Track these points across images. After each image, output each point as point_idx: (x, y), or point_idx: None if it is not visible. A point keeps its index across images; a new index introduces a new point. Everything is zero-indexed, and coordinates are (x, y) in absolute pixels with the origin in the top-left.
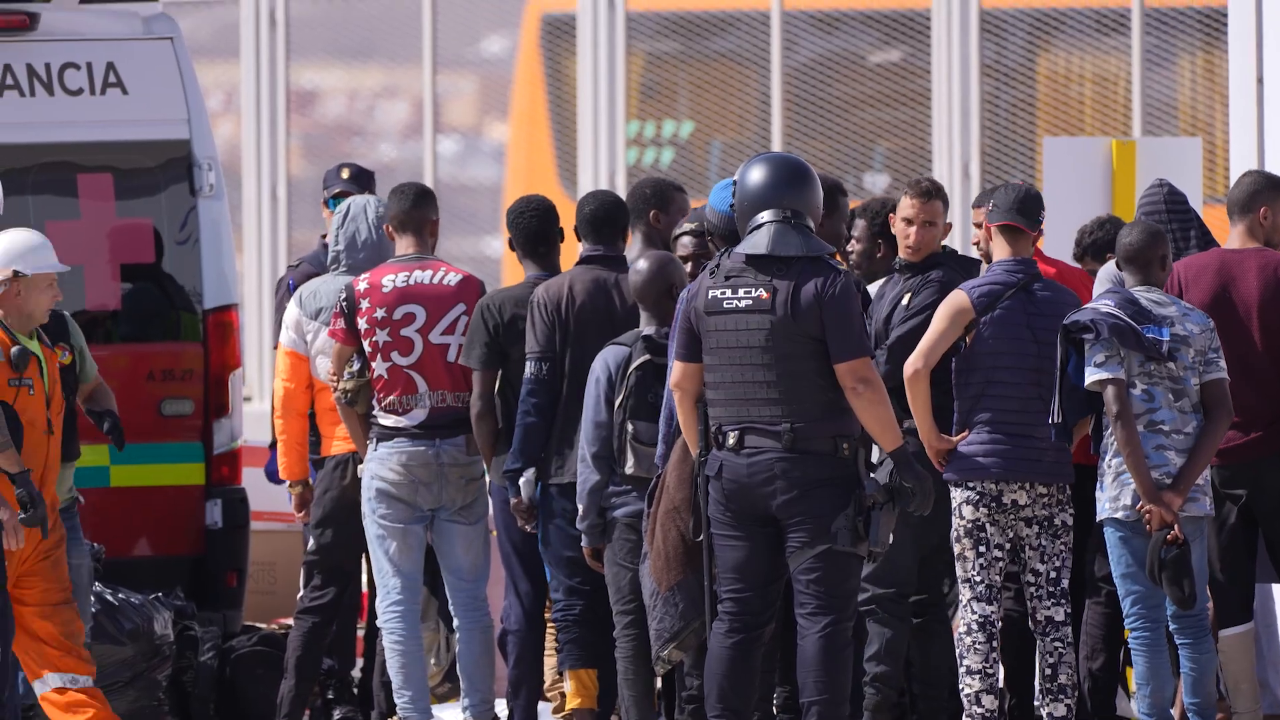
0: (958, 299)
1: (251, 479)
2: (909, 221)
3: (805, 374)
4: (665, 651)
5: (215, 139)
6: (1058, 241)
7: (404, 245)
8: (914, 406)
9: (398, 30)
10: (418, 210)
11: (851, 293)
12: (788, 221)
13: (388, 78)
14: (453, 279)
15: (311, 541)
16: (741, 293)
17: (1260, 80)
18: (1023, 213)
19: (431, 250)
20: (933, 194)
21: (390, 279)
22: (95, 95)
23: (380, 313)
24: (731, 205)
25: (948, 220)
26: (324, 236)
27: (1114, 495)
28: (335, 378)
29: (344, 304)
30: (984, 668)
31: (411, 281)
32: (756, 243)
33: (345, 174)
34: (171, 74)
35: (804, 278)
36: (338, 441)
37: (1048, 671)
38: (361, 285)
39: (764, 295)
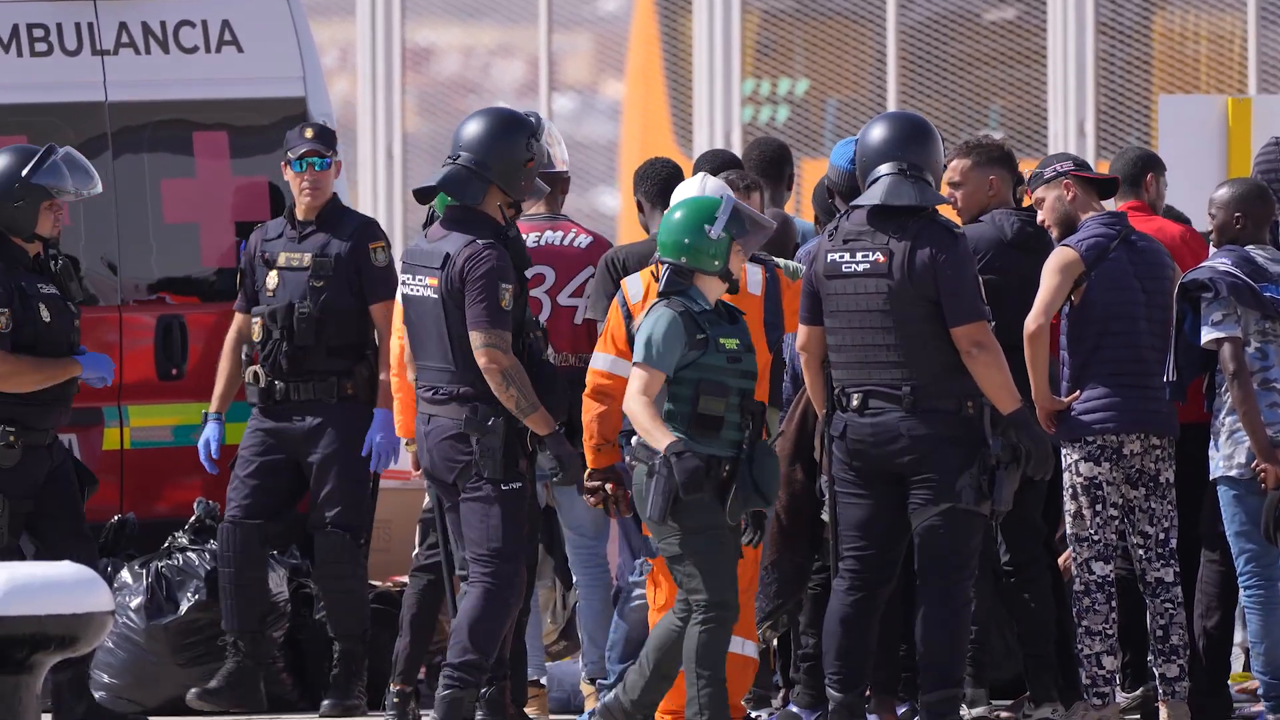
0: (1065, 254)
1: None
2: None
3: (925, 335)
4: (760, 629)
5: (331, 97)
6: (1173, 199)
7: (535, 205)
8: (1032, 365)
9: None
10: (551, 169)
11: (967, 256)
12: (903, 174)
13: (503, 35)
14: (583, 241)
15: (427, 499)
16: (860, 256)
17: None
18: (1086, 166)
19: (560, 209)
20: (961, 153)
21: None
22: (210, 53)
23: (527, 275)
24: (852, 161)
25: (991, 178)
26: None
27: (1228, 453)
28: None
29: None
30: (1104, 628)
31: (542, 242)
32: (871, 194)
33: (309, 134)
34: (287, 31)
35: (920, 241)
36: None
37: (1159, 633)
38: None
39: (880, 259)
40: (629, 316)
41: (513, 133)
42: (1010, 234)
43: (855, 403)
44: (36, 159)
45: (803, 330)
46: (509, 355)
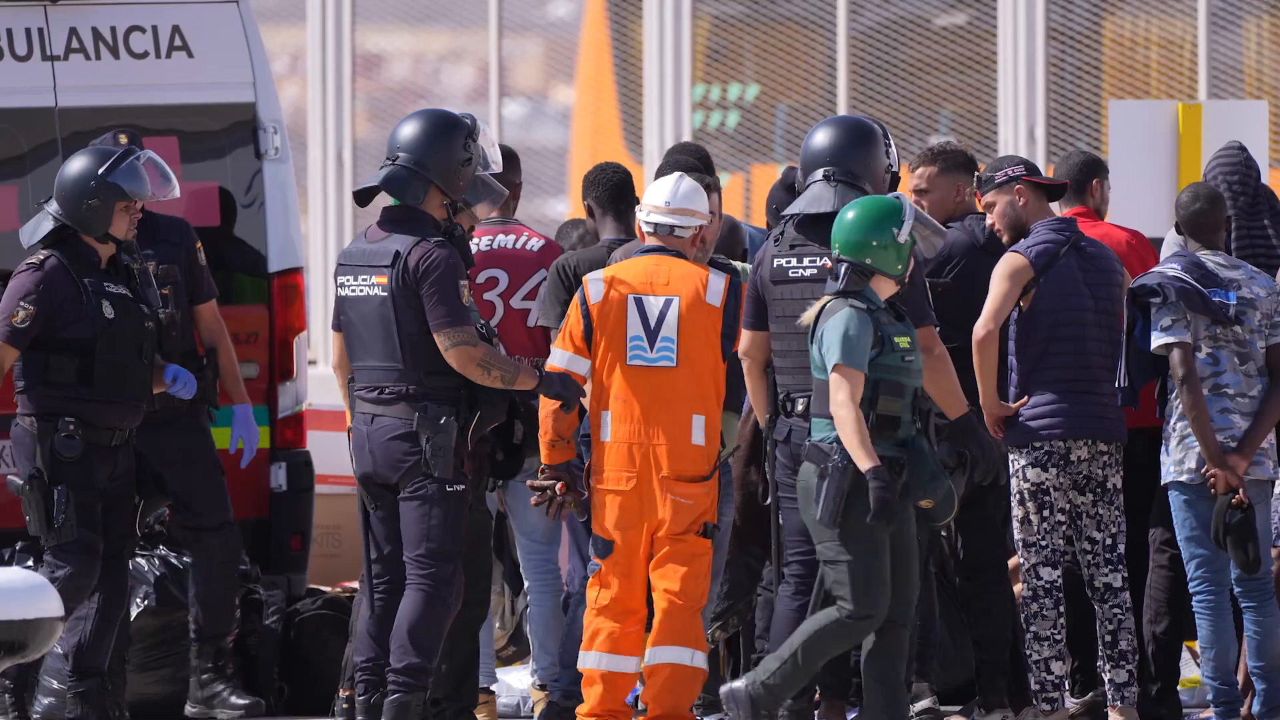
0: (1014, 260)
1: (316, 442)
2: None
3: None
4: (710, 630)
5: (281, 102)
6: (1122, 205)
7: (488, 210)
8: (980, 371)
9: None
10: (503, 174)
11: (915, 261)
12: (829, 180)
13: (453, 41)
14: (535, 245)
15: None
16: (806, 261)
17: None
18: (1036, 170)
19: (513, 214)
20: (927, 160)
21: (474, 243)
22: (161, 58)
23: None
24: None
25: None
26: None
27: (1179, 459)
28: None
29: None
30: (1052, 634)
31: (495, 246)
32: (797, 204)
33: (123, 139)
34: (237, 37)
35: None
36: None
37: (1107, 638)
38: None
39: (827, 264)
40: (588, 315)
41: (450, 133)
42: (983, 239)
43: (799, 407)
44: (114, 160)
45: (746, 335)
46: (478, 344)
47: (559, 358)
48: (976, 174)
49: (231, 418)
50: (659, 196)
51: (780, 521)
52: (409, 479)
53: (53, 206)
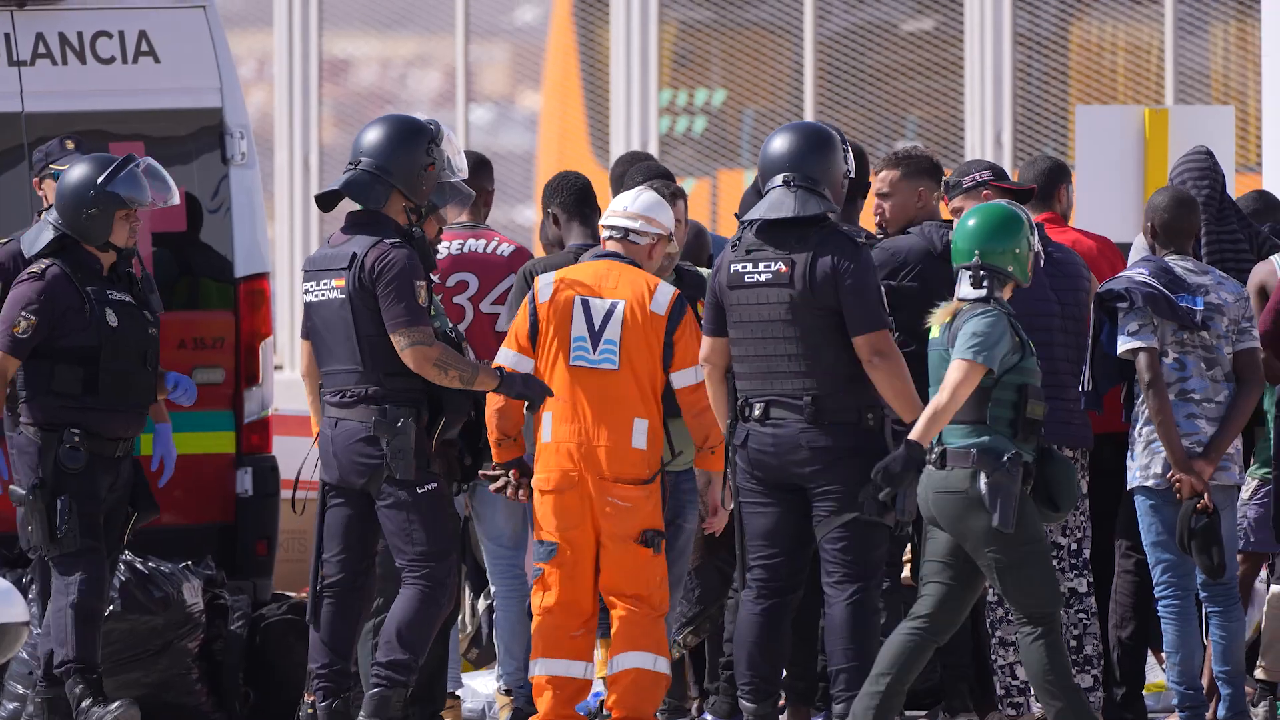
0: None
1: (282, 447)
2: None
3: (828, 346)
4: (681, 635)
5: (248, 107)
6: (1089, 211)
7: (457, 213)
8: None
9: None
10: (474, 179)
11: (868, 265)
12: (789, 185)
13: (420, 46)
14: (506, 249)
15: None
16: (762, 266)
17: None
18: (1004, 174)
19: (484, 220)
20: (890, 164)
21: (444, 246)
22: (127, 64)
23: (433, 279)
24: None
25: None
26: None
27: (1145, 464)
28: None
29: None
30: (1017, 638)
31: (465, 250)
32: (756, 209)
33: (70, 145)
34: (204, 42)
35: (821, 250)
36: None
37: (1073, 643)
38: None
39: (783, 269)
40: (535, 315)
41: (412, 138)
42: (940, 246)
43: (757, 412)
44: (113, 168)
45: (706, 341)
46: (434, 344)
47: (505, 356)
48: (945, 179)
49: (154, 434)
50: (621, 202)
51: (743, 526)
52: (376, 485)
53: (53, 215)
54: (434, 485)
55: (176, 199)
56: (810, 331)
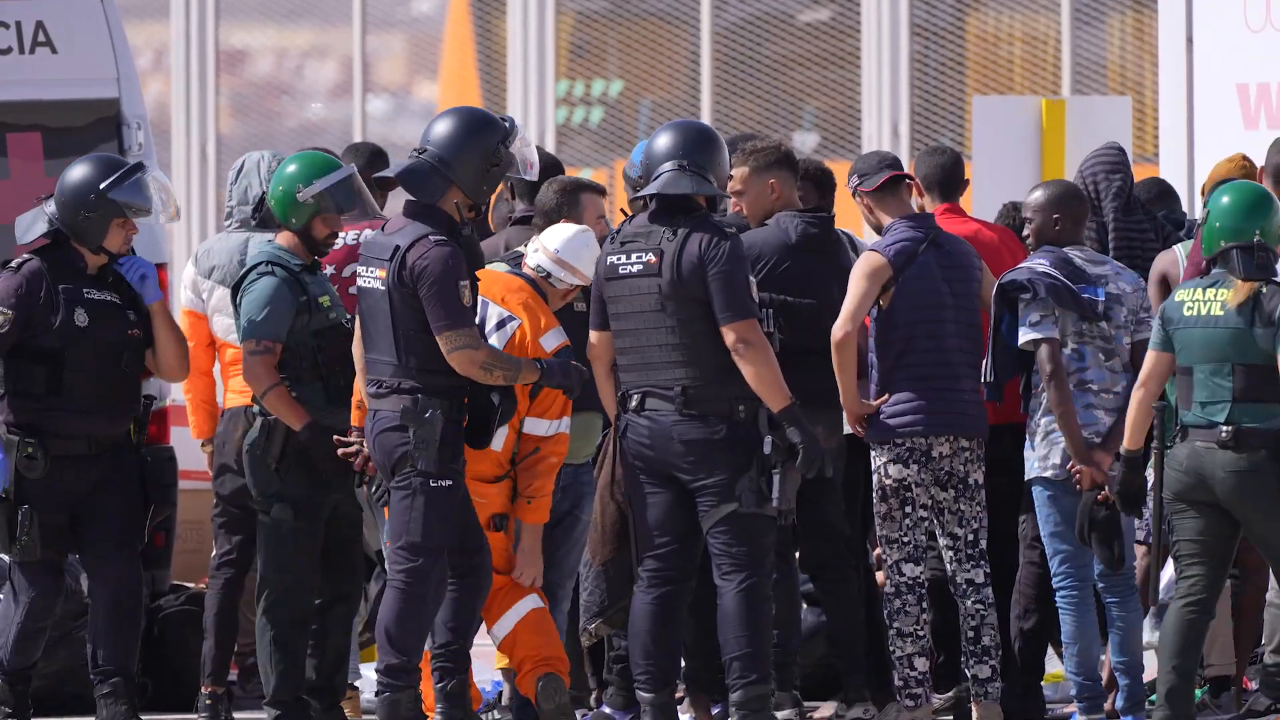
0: (872, 259)
1: (180, 438)
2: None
3: (701, 336)
4: (592, 625)
5: (145, 98)
6: (987, 201)
7: (357, 216)
8: (839, 370)
9: None
10: (370, 170)
11: (736, 255)
12: (683, 169)
13: (317, 37)
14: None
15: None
16: (634, 257)
17: (1189, 40)
18: (892, 165)
19: (381, 210)
20: (739, 160)
21: (341, 237)
22: (24, 54)
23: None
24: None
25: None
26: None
27: (1043, 454)
28: None
29: None
30: (915, 630)
31: (361, 239)
32: (649, 187)
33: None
34: (101, 33)
35: (689, 240)
36: (233, 395)
37: (970, 634)
38: None
39: (652, 259)
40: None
41: (482, 134)
42: (795, 236)
43: (634, 403)
44: (119, 174)
45: (592, 335)
46: (480, 346)
47: None
48: (854, 168)
49: None
50: (552, 241)
51: (634, 517)
52: (399, 469)
53: (50, 207)
54: (449, 483)
55: (176, 216)
56: (685, 322)
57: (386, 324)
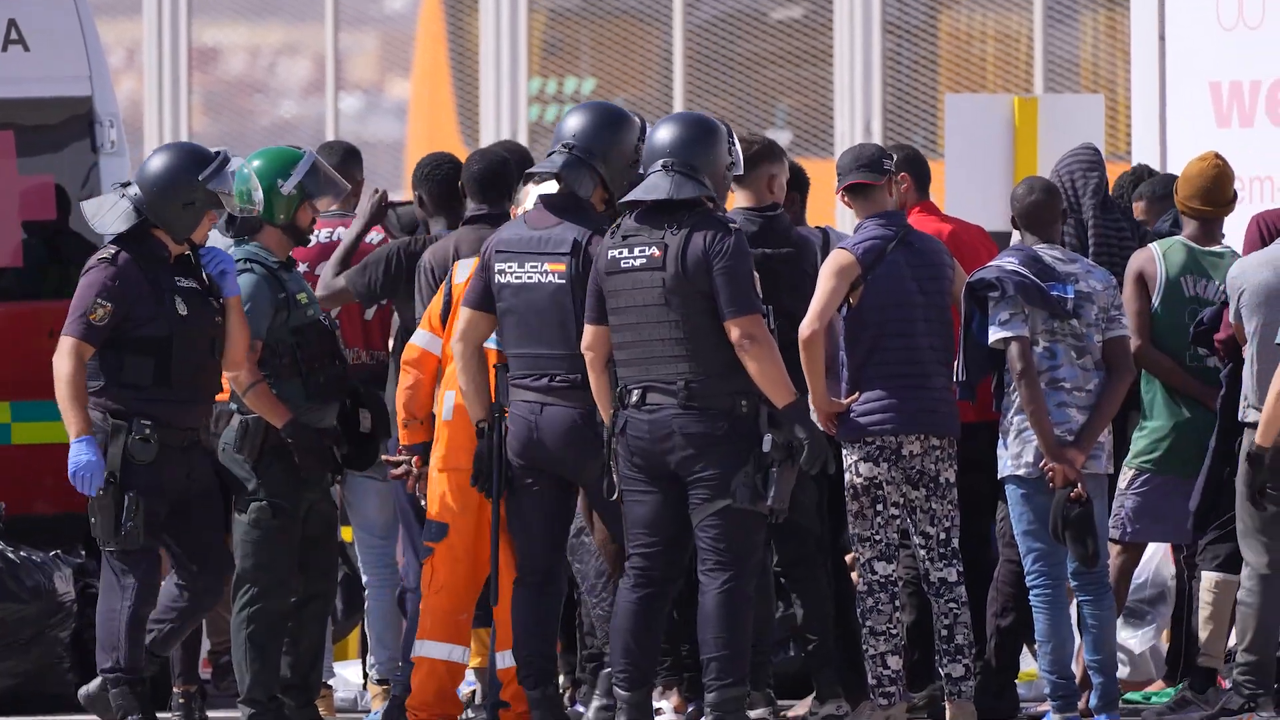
0: (841, 257)
1: None
2: None
3: (704, 330)
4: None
5: (117, 96)
6: (959, 199)
7: (327, 202)
8: (808, 369)
9: None
10: (343, 168)
11: (740, 250)
12: (667, 170)
13: (289, 35)
14: (375, 237)
15: None
16: (637, 251)
17: (1162, 38)
18: (868, 167)
19: (354, 208)
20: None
21: (314, 235)
22: None
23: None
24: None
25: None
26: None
27: (1016, 452)
28: None
29: None
30: (888, 628)
31: (335, 238)
32: (634, 192)
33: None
34: (73, 31)
35: (693, 234)
36: None
37: (944, 632)
38: None
39: (656, 253)
40: (449, 296)
41: (625, 130)
42: (755, 230)
43: (634, 398)
44: (215, 165)
45: (588, 329)
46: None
47: (420, 338)
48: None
49: None
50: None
51: (624, 514)
52: (594, 472)
53: (133, 191)
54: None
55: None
56: (688, 316)
57: (563, 318)
